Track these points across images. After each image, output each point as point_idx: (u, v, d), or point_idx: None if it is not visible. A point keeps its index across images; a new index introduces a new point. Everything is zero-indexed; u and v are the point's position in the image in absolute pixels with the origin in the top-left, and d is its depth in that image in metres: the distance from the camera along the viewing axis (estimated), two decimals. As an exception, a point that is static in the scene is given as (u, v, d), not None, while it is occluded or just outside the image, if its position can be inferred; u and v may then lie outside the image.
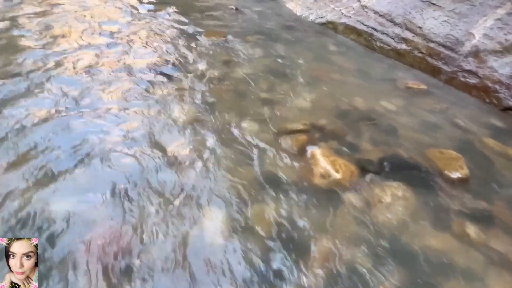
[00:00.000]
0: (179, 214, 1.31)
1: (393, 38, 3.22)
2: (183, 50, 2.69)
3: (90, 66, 2.32)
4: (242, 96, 2.15)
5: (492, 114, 2.43)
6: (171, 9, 3.63)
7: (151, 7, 3.65)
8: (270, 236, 1.27)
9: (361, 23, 3.49)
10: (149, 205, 1.33)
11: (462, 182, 1.65)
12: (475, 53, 2.72)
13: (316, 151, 1.63)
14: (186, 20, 3.37)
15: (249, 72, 2.47)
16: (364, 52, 3.30)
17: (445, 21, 2.95)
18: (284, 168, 1.59)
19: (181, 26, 3.16)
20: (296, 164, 1.61)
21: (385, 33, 3.29)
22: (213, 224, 1.28)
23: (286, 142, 1.76)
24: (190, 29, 3.13)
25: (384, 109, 2.25)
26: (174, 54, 2.57)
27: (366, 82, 2.63)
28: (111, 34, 2.89)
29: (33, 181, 1.37)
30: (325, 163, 1.55)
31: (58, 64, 2.34)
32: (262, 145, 1.73)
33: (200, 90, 2.17)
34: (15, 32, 2.84)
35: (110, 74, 2.24)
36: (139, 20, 3.18)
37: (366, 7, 3.54)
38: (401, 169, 1.66)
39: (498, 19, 2.69)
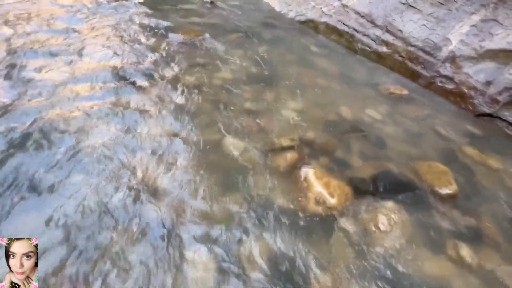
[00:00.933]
0: (161, 257, 1.12)
1: (374, 40, 3.18)
2: (152, 51, 2.38)
3: (33, 77, 1.87)
4: (224, 106, 1.95)
5: (468, 121, 2.49)
6: (136, 0, 3.24)
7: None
8: (263, 274, 1.14)
9: (342, 23, 3.41)
10: (109, 241, 1.12)
11: (451, 198, 1.64)
12: (452, 59, 2.76)
13: (309, 173, 1.51)
14: (155, 15, 3.02)
15: (229, 78, 2.26)
16: (346, 54, 3.23)
17: (424, 25, 2.96)
18: (275, 192, 1.46)
19: (149, 22, 2.80)
20: (287, 187, 1.48)
21: (366, 35, 3.24)
22: (197, 264, 1.11)
23: (275, 161, 1.62)
24: (159, 25, 2.79)
25: (371, 118, 2.19)
26: (141, 56, 2.26)
27: (350, 87, 2.56)
28: (63, 32, 2.46)
29: None
30: (319, 186, 1.44)
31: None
32: (249, 165, 1.58)
33: (174, 100, 1.92)
34: None
35: (59, 82, 1.87)
36: (96, 14, 2.76)
37: (347, 6, 3.45)
38: (394, 188, 1.61)
39: (474, 25, 2.75)
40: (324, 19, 3.55)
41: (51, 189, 1.27)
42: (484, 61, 2.63)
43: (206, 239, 1.21)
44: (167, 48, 2.47)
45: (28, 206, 1.17)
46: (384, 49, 3.11)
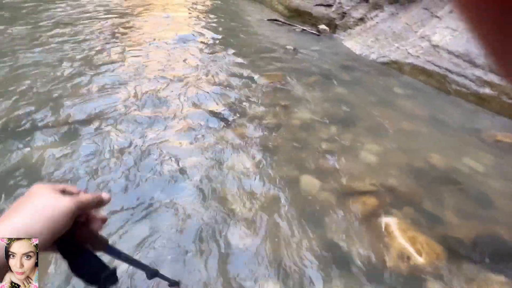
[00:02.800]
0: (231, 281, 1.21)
1: (473, 81, 2.85)
2: (241, 93, 2.75)
3: (151, 115, 2.37)
4: (302, 145, 2.05)
5: None
6: (230, 51, 3.85)
7: (210, 49, 3.91)
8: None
9: (432, 63, 3.20)
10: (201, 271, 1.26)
11: None
12: None
13: (391, 223, 1.41)
14: (244, 62, 3.51)
15: (308, 118, 2.38)
16: (436, 95, 2.98)
17: (545, 63, 2.50)
18: (351, 239, 1.40)
19: (239, 69, 3.28)
20: (366, 235, 1.41)
21: (463, 75, 2.93)
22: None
23: (353, 205, 1.58)
24: (247, 71, 3.22)
25: (470, 169, 1.91)
26: (232, 98, 2.63)
27: (443, 132, 2.31)
28: (167, 79, 3.04)
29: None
30: (403, 240, 1.32)
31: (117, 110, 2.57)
32: (324, 207, 1.58)
33: (257, 138, 2.13)
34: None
35: (168, 121, 2.29)
36: (199, 64, 3.40)
37: (437, 46, 3.25)
38: (503, 257, 1.33)
39: None
40: (410, 60, 3.41)
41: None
42: None
43: (278, 274, 1.25)
44: (253, 91, 2.81)
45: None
46: (487, 90, 2.73)
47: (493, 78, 2.73)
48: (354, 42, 4.30)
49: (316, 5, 5.47)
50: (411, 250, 1.29)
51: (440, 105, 2.78)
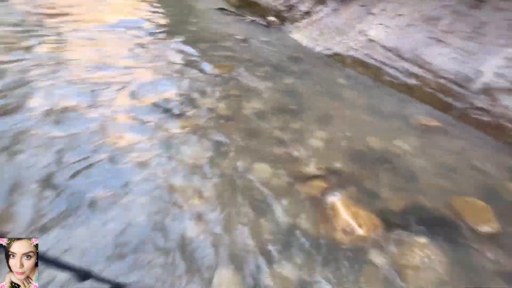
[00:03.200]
0: (186, 274, 1.18)
1: (402, 73, 3.22)
2: (191, 84, 2.65)
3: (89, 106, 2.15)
4: (254, 135, 2.07)
5: (509, 155, 2.35)
6: (178, 39, 3.65)
7: (156, 37, 3.66)
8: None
9: (369, 56, 3.51)
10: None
11: (492, 237, 1.53)
12: (487, 91, 2.69)
13: (336, 202, 1.52)
14: (194, 51, 3.37)
15: (260, 108, 2.41)
16: (373, 85, 3.29)
17: (454, 58, 2.96)
18: (302, 220, 1.48)
19: (188, 58, 3.14)
20: (315, 215, 1.50)
21: (394, 67, 3.29)
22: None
23: (302, 188, 1.66)
24: (197, 60, 3.11)
25: (400, 150, 2.17)
26: (181, 88, 2.52)
27: (378, 118, 2.58)
28: (110, 68, 2.82)
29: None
30: (346, 216, 1.44)
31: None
32: (277, 192, 1.63)
33: (210, 128, 2.09)
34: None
35: (110, 112, 2.13)
36: (144, 53, 3.16)
37: (373, 41, 3.58)
38: (427, 222, 1.55)
39: (507, 57, 2.69)
40: (351, 53, 3.69)
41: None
42: (523, 94, 2.53)
43: (234, 259, 1.25)
44: (204, 81, 2.73)
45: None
46: (413, 81, 3.12)
47: (418, 70, 3.13)
48: (301, 35, 4.46)
49: (265, -4, 5.50)
50: (353, 224, 1.41)
51: (376, 94, 3.08)
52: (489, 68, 2.75)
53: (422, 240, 1.43)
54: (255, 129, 2.14)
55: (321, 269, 1.28)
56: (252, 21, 5.07)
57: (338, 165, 1.90)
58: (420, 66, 3.12)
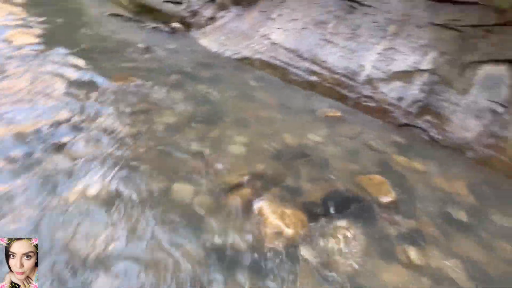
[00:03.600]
0: None
1: (304, 71, 3.55)
2: (79, 103, 2.20)
3: None
4: (169, 152, 1.88)
5: (393, 132, 2.87)
6: (61, 50, 3.05)
7: (34, 48, 2.98)
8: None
9: (275, 58, 3.73)
10: None
11: (392, 205, 1.80)
12: (369, 81, 3.22)
13: (262, 207, 1.51)
14: (84, 63, 2.86)
15: (172, 121, 2.22)
16: (282, 85, 3.51)
17: (342, 56, 3.43)
18: (232, 234, 1.40)
19: (76, 72, 2.64)
20: (244, 226, 1.45)
21: (297, 67, 3.59)
22: None
23: (228, 200, 1.58)
24: (88, 74, 2.64)
25: (313, 142, 2.35)
26: (69, 110, 2.07)
27: (290, 116, 2.74)
28: None
29: None
30: (274, 219, 1.44)
31: None
32: (201, 211, 1.50)
33: (112, 154, 1.78)
34: None
35: None
36: (16, 68, 2.51)
37: (276, 44, 3.82)
38: (343, 205, 1.70)
39: (379, 53, 3.29)
40: (258, 56, 3.86)
41: None
42: (394, 81, 3.13)
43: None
44: (99, 98, 2.33)
45: None
46: (314, 78, 3.47)
47: (316, 68, 3.49)
48: (209, 40, 4.42)
49: (165, 1, 5.22)
50: (281, 225, 1.42)
51: (286, 93, 3.29)
52: (368, 63, 3.30)
53: (343, 223, 1.56)
54: (169, 145, 1.94)
55: (262, 283, 1.23)
56: (154, 28, 4.73)
57: (260, 167, 1.91)
58: (318, 65, 3.49)
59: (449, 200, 1.96)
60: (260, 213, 1.49)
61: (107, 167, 1.65)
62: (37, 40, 3.21)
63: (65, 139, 1.78)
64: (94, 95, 2.35)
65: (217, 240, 1.36)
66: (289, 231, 1.41)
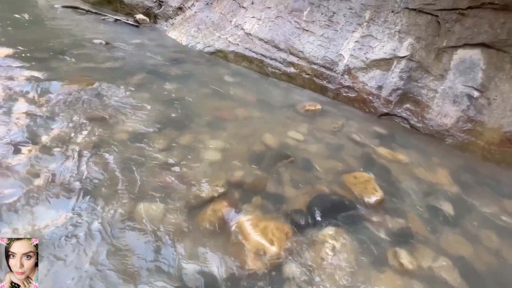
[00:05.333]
0: None
1: (281, 63, 3.37)
2: (28, 110, 1.91)
3: None
4: (133, 165, 1.66)
5: (374, 122, 2.79)
6: (5, 50, 2.66)
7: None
8: None
9: (250, 50, 3.52)
10: None
11: (379, 204, 1.72)
12: (348, 71, 3.11)
13: (243, 222, 1.35)
14: (31, 64, 2.51)
15: (137, 128, 1.98)
16: (259, 78, 3.32)
17: (320, 45, 3.28)
18: (209, 256, 1.25)
19: (22, 74, 2.30)
20: (223, 246, 1.29)
21: (274, 59, 3.40)
22: None
23: (204, 217, 1.41)
24: (38, 76, 2.31)
25: (294, 141, 2.22)
26: (13, 120, 1.78)
27: (270, 112, 2.58)
28: None
29: None
30: (256, 235, 1.30)
31: None
32: (173, 231, 1.33)
33: (64, 170, 1.54)
34: None
35: None
36: None
37: (250, 34, 3.60)
38: (329, 211, 1.60)
39: (357, 41, 3.17)
40: (232, 48, 3.62)
41: None
42: (372, 70, 3.04)
43: None
44: (50, 104, 2.03)
45: None
46: (292, 69, 3.31)
47: (293, 59, 3.32)
48: (178, 33, 4.10)
49: (126, -9, 4.78)
50: (264, 243, 1.29)
51: (263, 88, 3.11)
52: (346, 51, 3.18)
53: (330, 231, 1.44)
54: (134, 158, 1.72)
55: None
56: (116, 20, 4.31)
57: (239, 175, 1.75)
58: (295, 55, 3.33)
59: (434, 192, 1.92)
60: (240, 229, 1.34)
61: (57, 190, 1.42)
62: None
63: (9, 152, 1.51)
64: (46, 101, 2.04)
65: (188, 269, 1.20)
66: (273, 249, 1.28)
